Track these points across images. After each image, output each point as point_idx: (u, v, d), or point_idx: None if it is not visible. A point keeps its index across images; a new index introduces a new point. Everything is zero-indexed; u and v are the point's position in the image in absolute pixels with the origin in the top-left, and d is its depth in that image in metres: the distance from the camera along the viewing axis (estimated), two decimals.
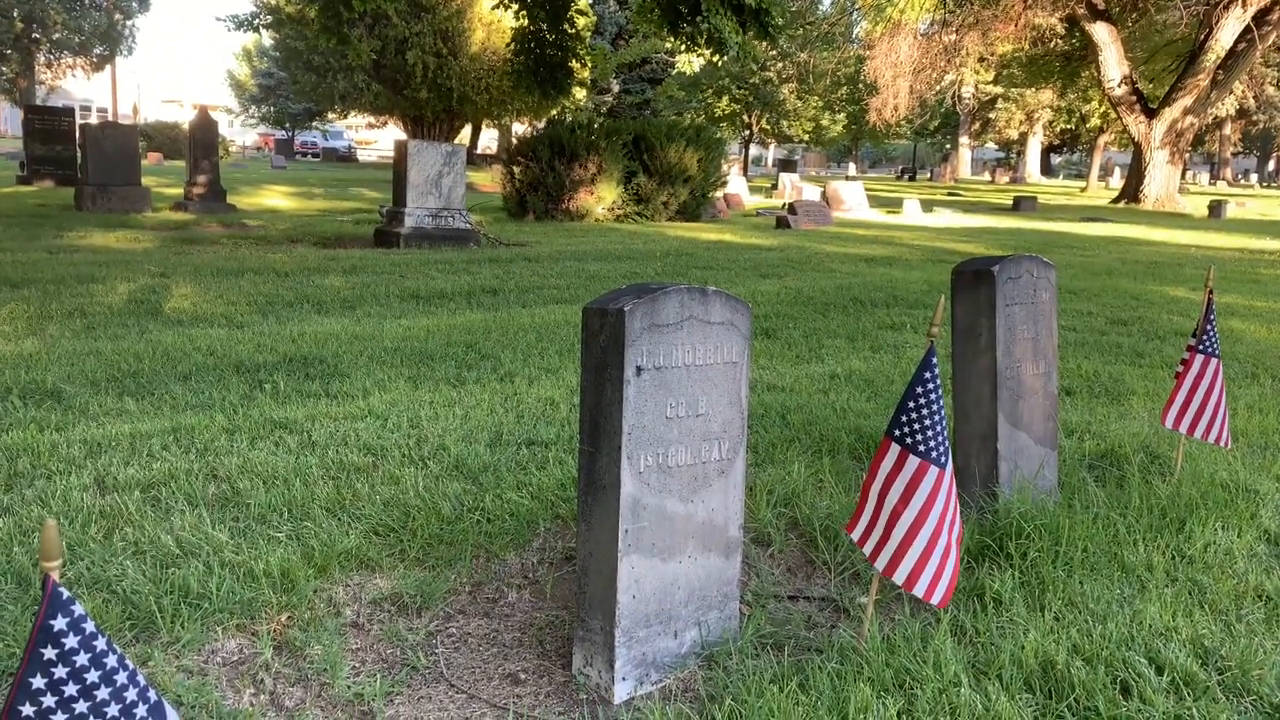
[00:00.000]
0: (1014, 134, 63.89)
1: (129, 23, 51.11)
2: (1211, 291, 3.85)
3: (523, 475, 3.91)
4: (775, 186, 36.43)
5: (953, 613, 2.81)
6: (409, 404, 5.02)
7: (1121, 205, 32.44)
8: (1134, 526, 3.31)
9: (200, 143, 20.87)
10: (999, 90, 56.62)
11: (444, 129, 38.58)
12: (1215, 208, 28.63)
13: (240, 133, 79.91)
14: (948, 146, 71.17)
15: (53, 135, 27.12)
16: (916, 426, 2.59)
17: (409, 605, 2.93)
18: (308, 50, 34.21)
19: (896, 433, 2.62)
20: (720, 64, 43.05)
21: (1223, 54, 29.86)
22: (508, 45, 21.97)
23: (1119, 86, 31.52)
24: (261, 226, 16.67)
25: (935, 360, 2.63)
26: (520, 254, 13.02)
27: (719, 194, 26.45)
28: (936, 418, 2.59)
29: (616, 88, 50.42)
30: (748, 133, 56.05)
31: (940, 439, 2.59)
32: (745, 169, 54.91)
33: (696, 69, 42.16)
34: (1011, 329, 3.82)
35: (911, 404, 2.60)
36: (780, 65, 52.01)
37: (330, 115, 59.66)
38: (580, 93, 39.02)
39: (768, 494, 3.72)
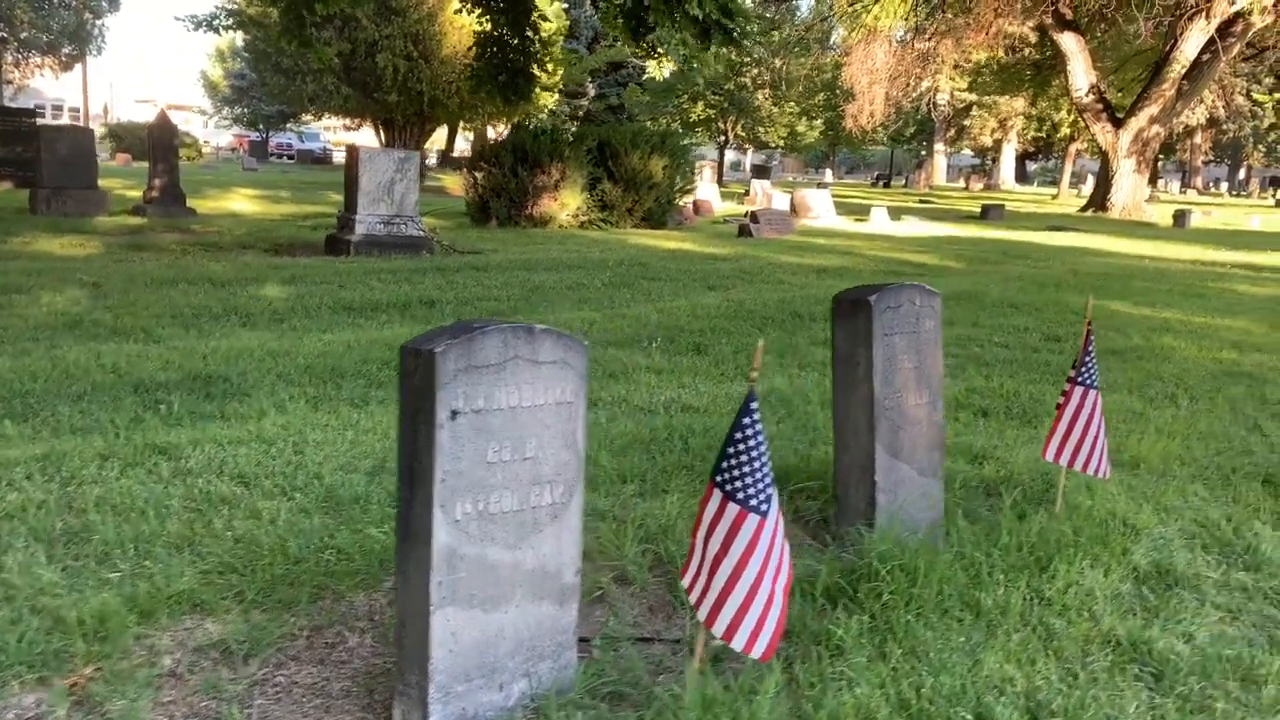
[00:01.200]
0: (988, 141, 64.24)
1: (98, 22, 50.62)
2: (1090, 324, 3.79)
3: (393, 508, 3.79)
4: (748, 193, 36.43)
5: (791, 660, 2.73)
6: (301, 427, 4.90)
7: (1089, 214, 32.63)
8: (998, 564, 3.24)
9: (159, 144, 20.61)
10: (973, 97, 56.93)
11: (415, 132, 38.32)
12: (1180, 217, 28.83)
13: (215, 134, 79.29)
14: (923, 153, 71.51)
15: (14, 136, 26.69)
16: (736, 473, 2.50)
17: (237, 652, 2.82)
18: (275, 52, 33.95)
19: (719, 478, 2.54)
20: (690, 71, 43.07)
21: (1188, 65, 30.09)
22: (468, 49, 21.88)
23: (1086, 95, 31.71)
24: (216, 232, 16.45)
25: (755, 405, 2.54)
26: (470, 263, 12.89)
27: (686, 200, 26.43)
28: (758, 463, 2.50)
29: (592, 91, 50.36)
30: (723, 138, 56.06)
31: (761, 485, 2.50)
32: (720, 175, 54.93)
33: (666, 75, 42.14)
34: (891, 359, 3.74)
35: (731, 449, 2.52)
36: (755, 71, 52.08)
37: (306, 117, 59.34)
38: (550, 98, 38.87)
39: (638, 527, 3.63)
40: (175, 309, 8.44)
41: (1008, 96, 51.61)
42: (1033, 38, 38.89)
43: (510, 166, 20.33)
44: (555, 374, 2.62)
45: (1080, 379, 3.74)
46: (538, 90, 38.65)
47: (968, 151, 78.39)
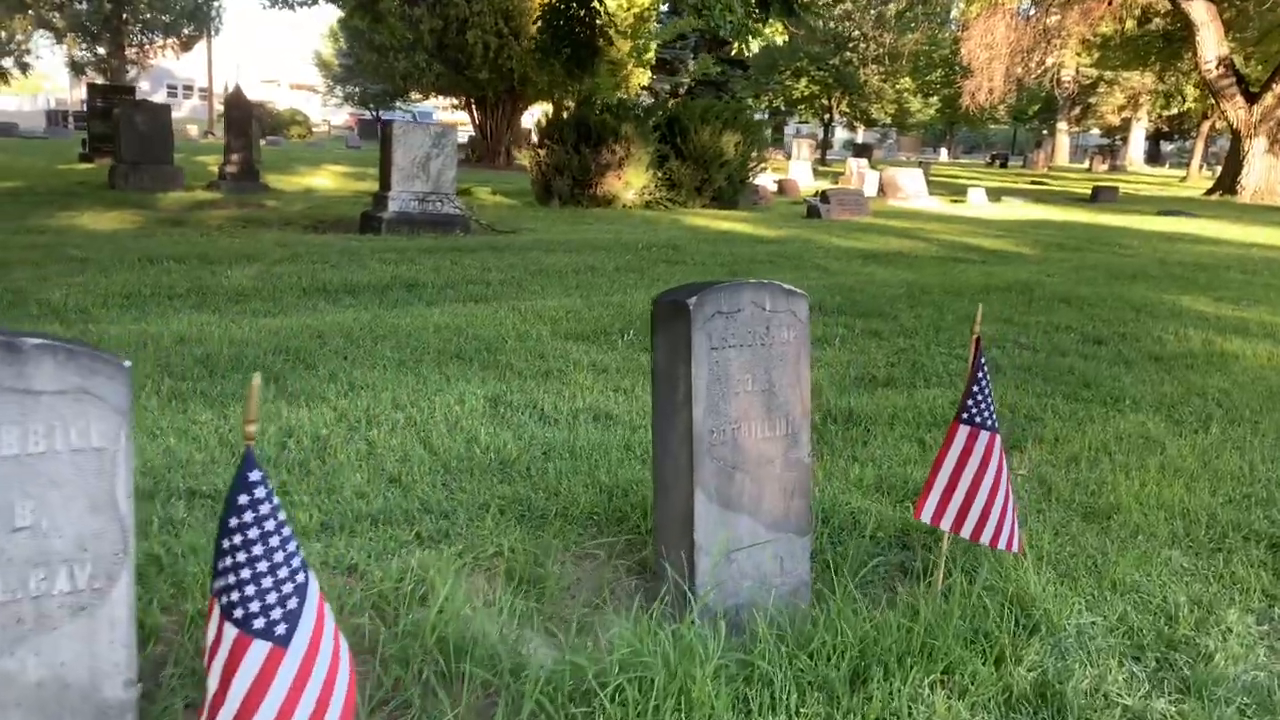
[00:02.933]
0: (1116, 119, 60.43)
1: (215, 3, 52.07)
2: (979, 340, 2.82)
3: None
4: (843, 173, 34.91)
5: None
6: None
7: (1215, 198, 30.01)
8: (792, 678, 2.34)
9: (235, 121, 20.74)
10: (1100, 73, 53.54)
11: (506, 110, 38.09)
12: None
13: (333, 113, 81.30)
14: (1044, 132, 67.86)
15: (112, 114, 27.49)
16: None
17: None
18: (366, 29, 34.09)
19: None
20: (789, 44, 41.43)
21: None
22: (534, 19, 21.24)
23: (1215, 68, 29.07)
24: (275, 209, 16.28)
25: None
26: (493, 243, 12.28)
27: (762, 179, 25.28)
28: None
29: (693, 67, 49.22)
30: (828, 116, 54.17)
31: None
32: (824, 153, 53.14)
33: (754, 50, 40.74)
34: (722, 379, 2.86)
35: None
36: (864, 46, 50.09)
37: (415, 95, 60.17)
38: (644, 75, 38.03)
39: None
40: (139, 288, 8.03)
41: (1138, 70, 48.23)
42: (1163, 7, 36.09)
43: (573, 144, 19.65)
44: (68, 409, 1.87)
45: (967, 416, 2.79)
46: (631, 68, 38.05)
47: (1096, 131, 74.14)
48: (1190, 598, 3.04)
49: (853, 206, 18.44)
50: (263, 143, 42.72)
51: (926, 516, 2.86)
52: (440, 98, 49.95)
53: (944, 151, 70.23)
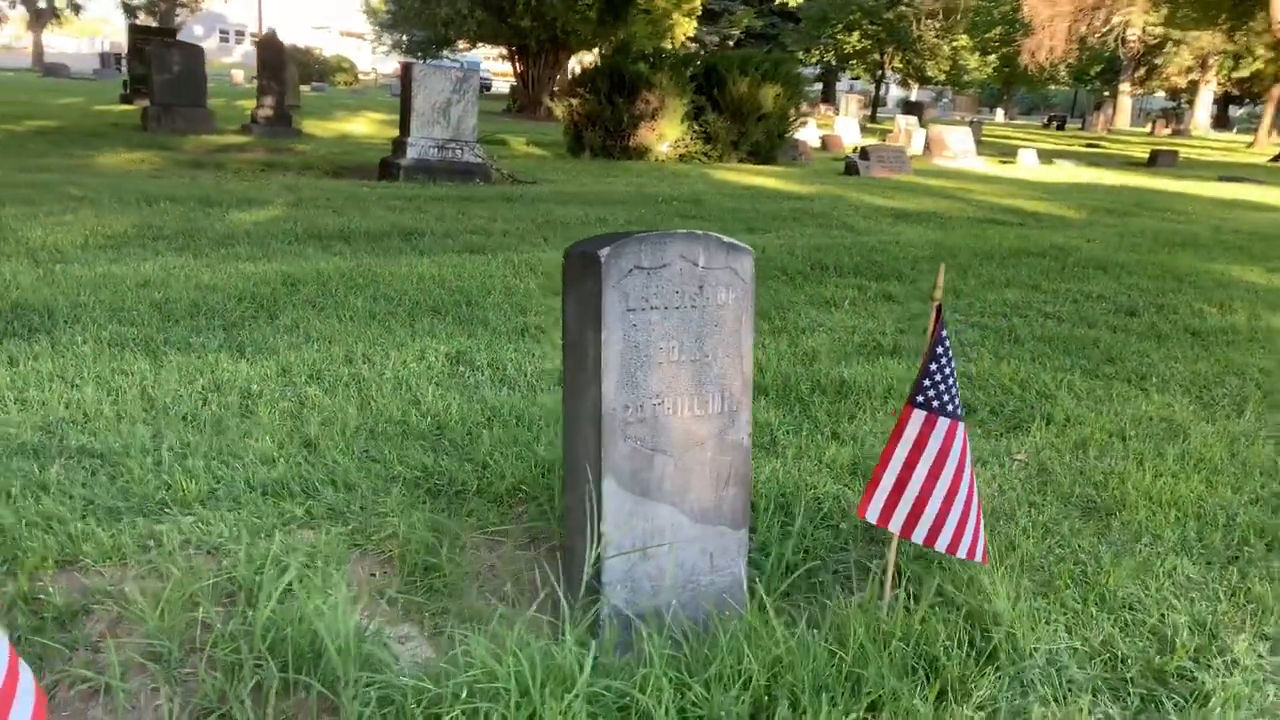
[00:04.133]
0: (1182, 81, 58.07)
1: None
2: (940, 308, 2.34)
3: None
4: (891, 130, 33.86)
5: None
6: (51, 379, 3.98)
7: None
8: (693, 709, 1.94)
9: (268, 65, 20.48)
10: (1167, 32, 51.36)
11: (549, 60, 37.38)
12: None
13: (381, 61, 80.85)
14: (1105, 94, 65.54)
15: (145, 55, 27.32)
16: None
17: None
18: None
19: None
20: None
21: None
22: None
23: None
24: (301, 153, 15.99)
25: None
26: (508, 193, 11.86)
27: (806, 134, 24.53)
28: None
29: (744, 19, 47.93)
30: (880, 72, 52.62)
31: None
32: (874, 110, 51.73)
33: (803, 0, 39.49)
34: (641, 347, 2.43)
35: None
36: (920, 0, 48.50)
37: (461, 44, 59.47)
38: (689, 24, 37.04)
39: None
40: (126, 228, 7.74)
41: (1205, 31, 46.13)
42: None
43: (606, 94, 19.06)
44: None
45: (926, 400, 2.33)
46: (676, 18, 37.08)
47: (1160, 94, 71.47)
48: (1193, 618, 2.58)
49: (893, 164, 17.72)
50: (308, 89, 42.54)
51: (872, 516, 2.42)
52: (486, 47, 49.31)
53: (1000, 112, 68.17)
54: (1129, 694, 2.25)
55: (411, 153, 13.25)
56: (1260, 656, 2.46)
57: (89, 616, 2.34)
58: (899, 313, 6.33)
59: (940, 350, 2.30)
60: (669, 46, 34.00)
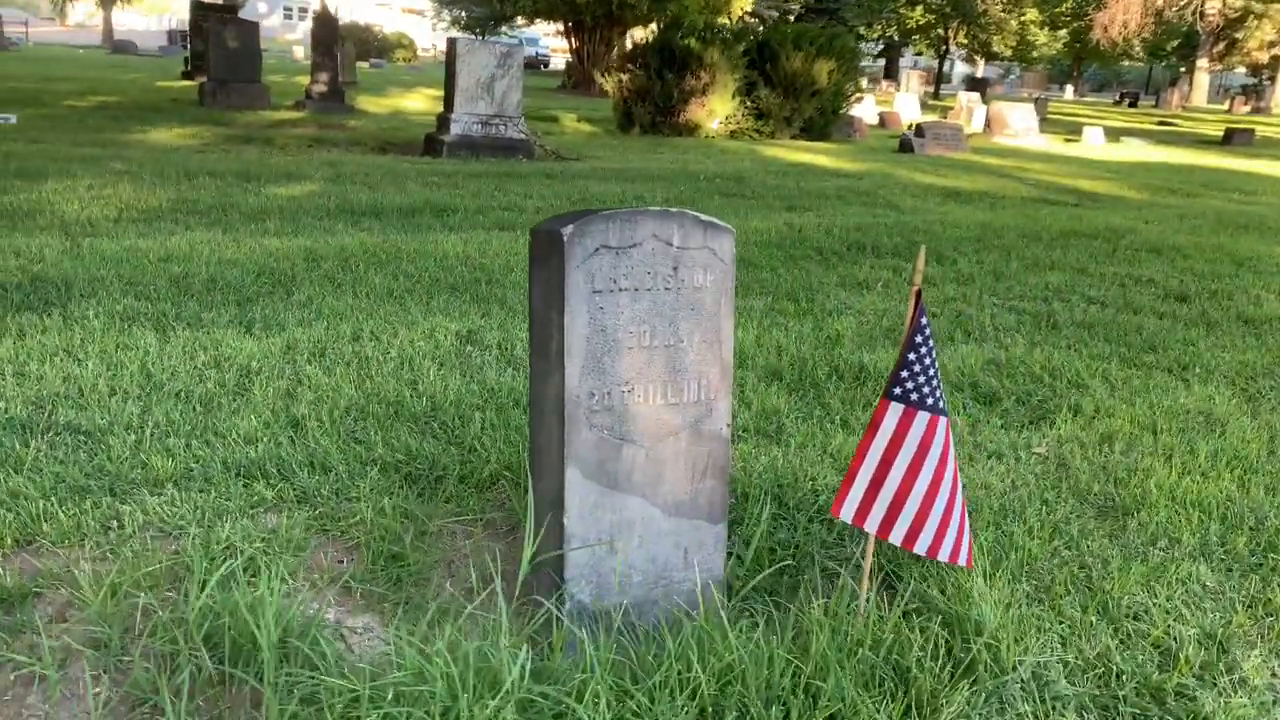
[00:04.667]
0: (1264, 57, 55.81)
1: None
2: (920, 294, 2.15)
3: None
4: (952, 108, 33.05)
5: None
6: (55, 353, 3.98)
7: None
8: None
9: (321, 41, 20.61)
10: (1249, 4, 49.38)
11: (604, 35, 37.11)
12: None
13: (440, 38, 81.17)
14: (1181, 70, 63.26)
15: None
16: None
17: None
18: None
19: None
20: None
21: None
22: None
23: None
24: (352, 129, 16.05)
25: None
26: (553, 169, 11.76)
27: (863, 110, 24.03)
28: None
29: None
30: (944, 47, 51.38)
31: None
32: (937, 87, 50.58)
33: None
34: (608, 331, 2.30)
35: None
36: None
37: (519, 20, 59.40)
38: None
39: None
40: (156, 204, 7.80)
41: None
42: None
43: (656, 69, 18.85)
44: None
45: (904, 392, 2.16)
46: None
47: (1240, 70, 68.80)
48: (1203, 630, 2.39)
49: (949, 142, 17.25)
50: (366, 65, 42.83)
51: (847, 515, 2.27)
52: (544, 23, 49.16)
53: (1069, 89, 66.21)
54: (1119, 713, 2.07)
55: (455, 129, 13.21)
56: (1274, 675, 2.27)
57: (40, 599, 2.30)
58: (933, 296, 6.10)
59: (919, 340, 2.13)
60: (726, 21, 33.56)
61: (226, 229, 7.07)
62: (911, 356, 2.14)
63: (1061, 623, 2.37)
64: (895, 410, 2.17)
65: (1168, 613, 2.46)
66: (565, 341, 2.26)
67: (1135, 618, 2.44)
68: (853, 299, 5.97)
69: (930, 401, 2.15)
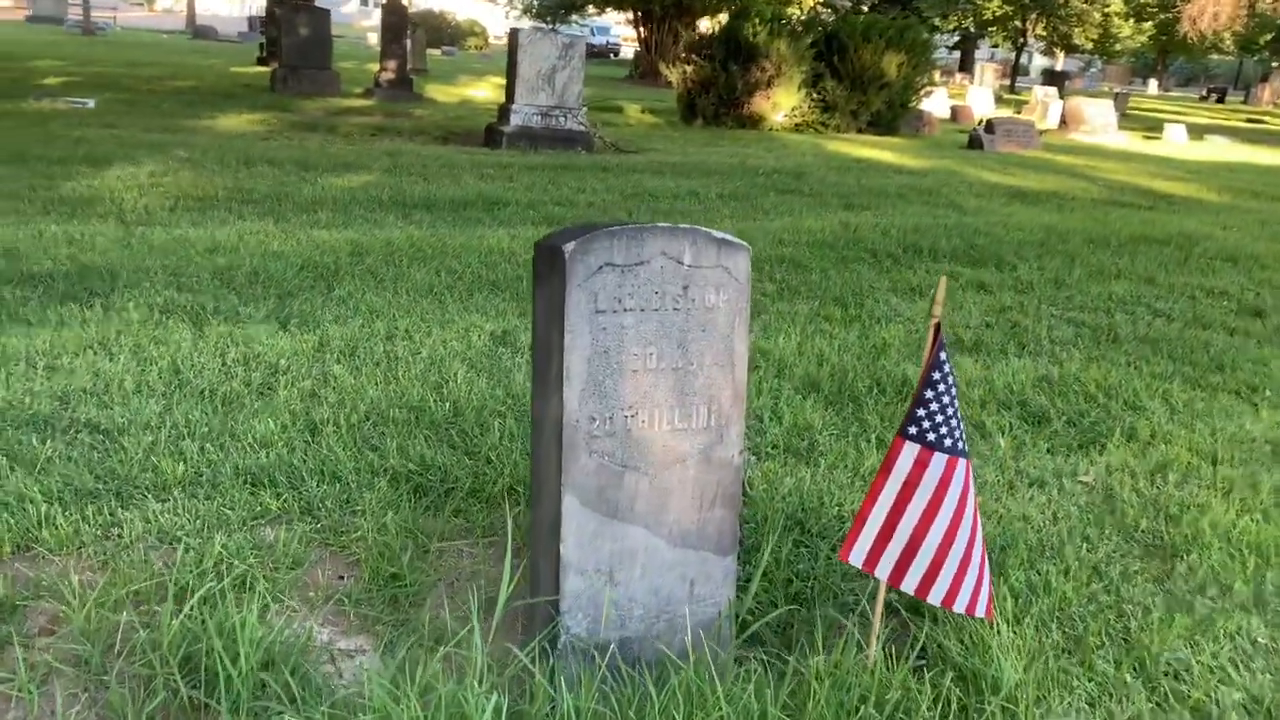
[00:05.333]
0: None
1: None
2: (938, 326, 1.99)
3: None
4: (1027, 102, 32.15)
5: None
6: (89, 346, 4.00)
7: None
8: None
9: (390, 28, 20.79)
10: None
11: (672, 25, 36.86)
12: None
13: (513, 25, 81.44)
14: (1274, 65, 60.82)
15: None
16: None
17: None
18: None
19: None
20: None
21: None
22: None
23: None
24: (417, 118, 16.12)
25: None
26: (610, 162, 11.67)
27: (934, 104, 23.48)
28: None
29: None
30: (1021, 39, 50.02)
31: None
32: (1013, 80, 49.31)
33: None
34: (611, 353, 2.19)
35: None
36: None
37: (591, 10, 59.44)
38: None
39: None
40: (213, 193, 7.87)
41: None
42: None
43: (721, 60, 18.61)
44: None
45: (920, 432, 2.00)
46: None
47: None
48: (1249, 695, 2.20)
49: (1020, 138, 16.75)
50: (438, 53, 43.15)
51: (856, 559, 2.13)
52: (614, 12, 49.04)
53: (1153, 83, 64.08)
54: None
55: (515, 119, 13.18)
56: None
57: (30, 610, 2.27)
58: (988, 304, 5.87)
59: (938, 376, 1.98)
60: (797, 11, 33.09)
61: (278, 219, 7.10)
62: (929, 394, 1.99)
63: (1091, 680, 2.21)
64: (910, 450, 2.02)
65: (1211, 672, 2.28)
66: (565, 363, 2.15)
67: (1175, 676, 2.26)
68: (904, 305, 5.77)
69: (949, 442, 2.00)
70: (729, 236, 2.30)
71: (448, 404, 3.67)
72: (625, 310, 2.20)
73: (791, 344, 4.82)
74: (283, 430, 3.27)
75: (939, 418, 1.99)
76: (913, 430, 2.02)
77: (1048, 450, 3.67)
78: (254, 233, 6.45)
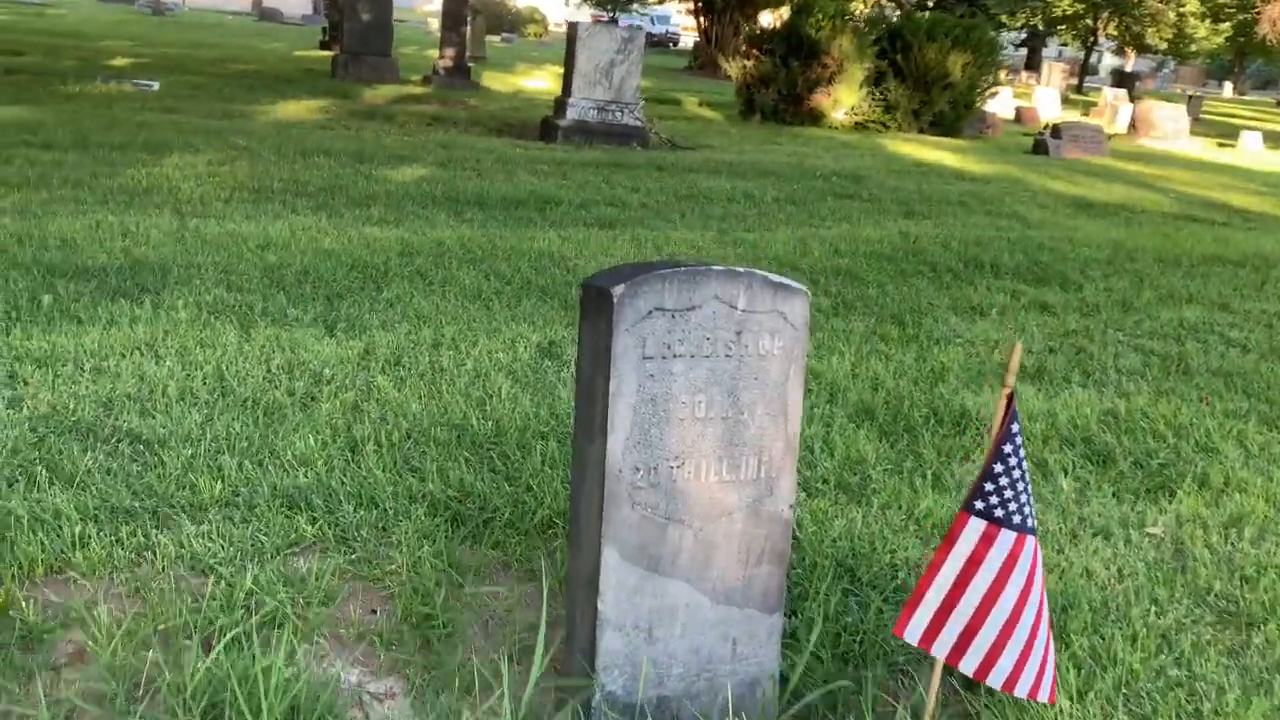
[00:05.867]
0: None
1: None
2: (1011, 396, 1.85)
3: None
4: (1095, 104, 31.35)
5: None
6: (137, 347, 3.99)
7: None
8: None
9: (449, 15, 20.83)
10: None
11: (733, 18, 36.53)
12: None
13: (574, 14, 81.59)
14: None
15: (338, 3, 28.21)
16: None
17: None
18: None
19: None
20: None
21: None
22: None
23: None
24: (473, 108, 16.11)
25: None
26: (664, 160, 11.55)
27: (999, 105, 22.99)
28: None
29: None
30: (1091, 39, 48.81)
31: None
32: (1081, 81, 48.17)
33: None
34: (659, 401, 2.08)
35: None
36: None
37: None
38: None
39: None
40: (268, 184, 7.89)
41: None
42: None
43: (781, 55, 18.37)
44: None
45: (987, 507, 1.87)
46: None
47: None
48: None
49: (1087, 144, 16.30)
50: (498, 39, 43.23)
51: (912, 636, 2.00)
52: (675, 2, 48.69)
53: (1228, 86, 62.25)
54: None
55: (571, 113, 13.10)
56: None
57: (59, 639, 2.23)
58: (1052, 328, 5.66)
59: (1009, 449, 1.85)
60: (861, 6, 32.56)
61: (331, 214, 7.10)
62: (998, 467, 1.86)
63: None
64: (976, 526, 1.89)
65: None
66: (610, 410, 2.05)
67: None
68: (964, 326, 5.59)
69: (1018, 519, 1.87)
70: (786, 280, 2.18)
71: (490, 422, 3.59)
72: (674, 356, 2.09)
73: (845, 365, 4.67)
74: (322, 448, 3.21)
75: (1008, 493, 1.86)
76: (979, 505, 1.89)
77: (1113, 494, 3.50)
78: (306, 228, 6.43)
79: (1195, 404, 4.53)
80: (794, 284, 2.18)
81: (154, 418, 3.34)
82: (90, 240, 5.63)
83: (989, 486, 1.88)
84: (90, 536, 2.52)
